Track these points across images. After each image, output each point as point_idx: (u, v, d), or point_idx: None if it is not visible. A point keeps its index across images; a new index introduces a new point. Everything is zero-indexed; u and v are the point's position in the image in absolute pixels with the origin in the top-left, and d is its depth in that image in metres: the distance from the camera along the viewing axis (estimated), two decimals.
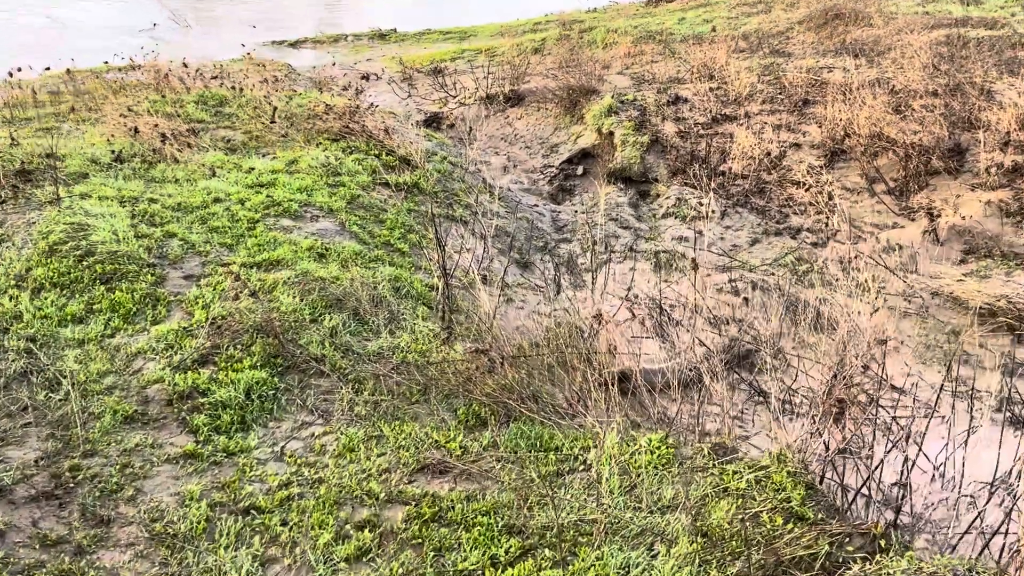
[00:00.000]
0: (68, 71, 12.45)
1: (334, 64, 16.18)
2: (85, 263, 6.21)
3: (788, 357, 6.61)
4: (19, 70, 11.36)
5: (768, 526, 3.83)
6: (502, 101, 13.26)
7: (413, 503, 4.13)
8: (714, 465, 4.33)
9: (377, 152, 9.71)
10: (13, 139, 8.56)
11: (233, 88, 11.58)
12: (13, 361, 5.09)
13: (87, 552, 3.70)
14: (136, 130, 9.07)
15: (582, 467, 4.46)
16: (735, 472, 4.23)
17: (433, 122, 12.88)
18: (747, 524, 3.81)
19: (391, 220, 8.13)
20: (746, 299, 7.30)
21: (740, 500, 4.00)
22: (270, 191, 8.01)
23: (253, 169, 8.59)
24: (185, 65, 13.05)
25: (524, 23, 19.52)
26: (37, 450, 4.34)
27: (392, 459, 4.51)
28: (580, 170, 11.36)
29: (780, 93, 11.91)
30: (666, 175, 10.70)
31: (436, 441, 4.68)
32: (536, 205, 10.51)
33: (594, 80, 13.14)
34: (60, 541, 3.74)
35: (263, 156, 9.19)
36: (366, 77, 15.02)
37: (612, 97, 12.11)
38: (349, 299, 6.21)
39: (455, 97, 13.67)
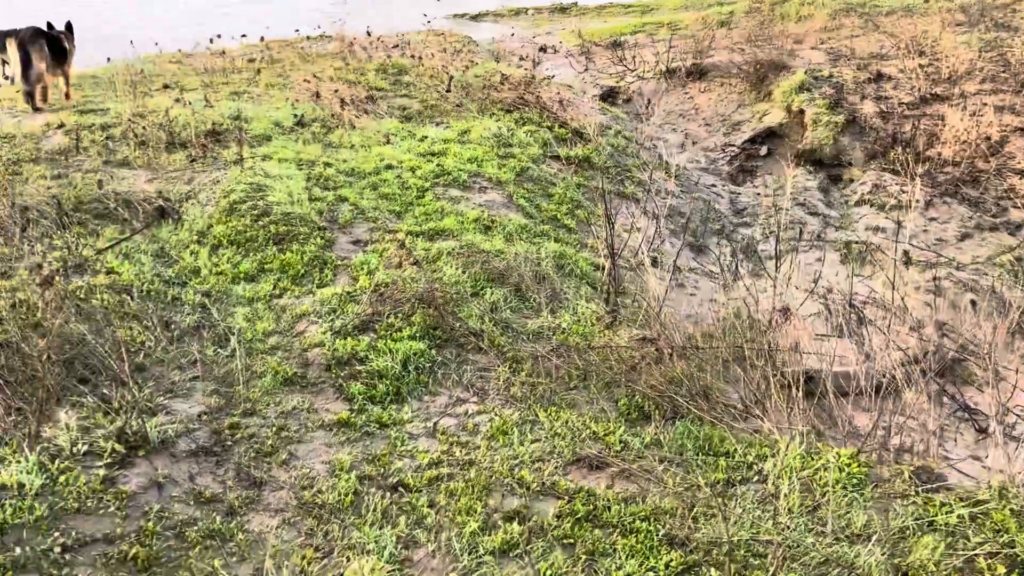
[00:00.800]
0: (262, 39, 13.01)
1: (512, 36, 16.02)
2: (260, 223, 6.33)
3: (1004, 371, 5.74)
4: (219, 37, 11.94)
5: (987, 574, 3.21)
6: (683, 76, 12.59)
7: (566, 498, 3.81)
8: (917, 492, 3.73)
9: (549, 124, 9.42)
10: (207, 101, 8.96)
11: (412, 58, 11.66)
12: (188, 315, 5.22)
13: (238, 513, 3.66)
14: (318, 95, 9.26)
15: (756, 478, 3.98)
16: (943, 504, 3.62)
17: (609, 96, 12.42)
18: (959, 568, 3.22)
19: (559, 194, 7.83)
20: (973, 302, 6.42)
21: (950, 538, 3.40)
22: (441, 160, 7.92)
23: (426, 138, 8.55)
24: (369, 35, 13.32)
25: None
26: (202, 405, 4.39)
27: (546, 447, 4.22)
28: (764, 150, 10.58)
29: (1004, 71, 10.54)
30: (862, 159, 9.75)
31: (594, 432, 4.34)
32: (714, 185, 9.87)
33: (785, 55, 12.21)
34: (213, 499, 3.72)
35: (437, 125, 9.14)
36: (543, 49, 14.75)
37: (805, 73, 11.19)
38: (511, 274, 5.97)
39: (633, 71, 13.13)
